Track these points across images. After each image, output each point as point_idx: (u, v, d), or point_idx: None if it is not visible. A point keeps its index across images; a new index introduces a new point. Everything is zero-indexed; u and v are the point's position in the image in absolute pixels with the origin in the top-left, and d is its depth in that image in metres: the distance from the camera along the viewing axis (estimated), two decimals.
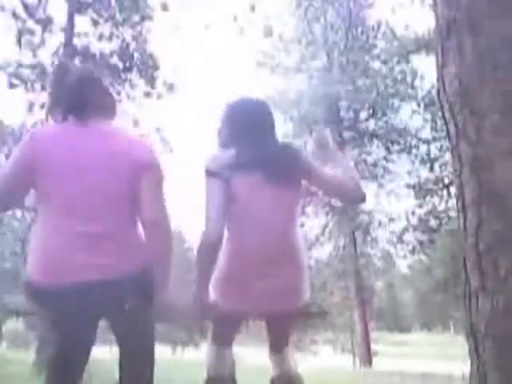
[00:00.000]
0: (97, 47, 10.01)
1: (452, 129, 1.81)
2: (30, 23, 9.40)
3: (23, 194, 1.82)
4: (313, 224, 17.13)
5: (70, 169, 1.72)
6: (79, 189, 1.72)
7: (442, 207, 14.42)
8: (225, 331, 2.14)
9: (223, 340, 2.13)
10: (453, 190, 12.61)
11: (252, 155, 1.95)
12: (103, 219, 1.73)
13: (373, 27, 16.45)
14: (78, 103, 1.82)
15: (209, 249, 1.90)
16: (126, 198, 1.76)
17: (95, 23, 9.92)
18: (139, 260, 1.75)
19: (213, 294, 1.98)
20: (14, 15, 9.25)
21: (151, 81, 10.36)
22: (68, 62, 1.77)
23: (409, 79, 15.51)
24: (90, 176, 1.72)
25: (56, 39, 9.58)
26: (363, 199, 2.03)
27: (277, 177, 1.95)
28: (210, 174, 1.95)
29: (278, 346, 2.20)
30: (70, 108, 1.82)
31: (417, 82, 15.44)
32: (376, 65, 16.36)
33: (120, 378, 1.82)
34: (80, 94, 1.83)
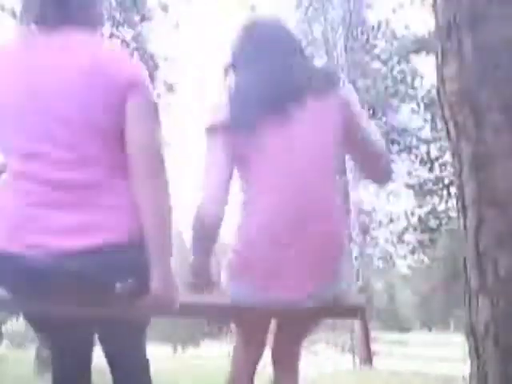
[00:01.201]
0: None
1: (452, 128, 1.81)
2: None
3: None
4: None
5: (23, 95, 1.23)
6: (36, 122, 1.23)
7: (442, 207, 14.42)
8: (249, 333, 1.69)
9: (249, 338, 1.68)
10: (453, 190, 12.61)
11: (267, 86, 1.48)
12: (74, 164, 1.24)
13: (373, 27, 16.43)
14: (47, 9, 1.29)
15: (205, 228, 1.48)
16: (106, 134, 1.27)
17: None
18: (127, 225, 1.26)
19: (226, 281, 1.52)
20: (14, 15, 9.24)
21: (151, 81, 10.37)
22: None
23: (409, 79, 15.49)
24: (51, 103, 1.23)
25: None
26: (389, 179, 1.70)
27: (302, 110, 1.44)
28: (211, 129, 1.53)
29: (287, 360, 1.70)
30: (36, 14, 1.29)
31: (417, 82, 15.43)
32: (376, 65, 16.35)
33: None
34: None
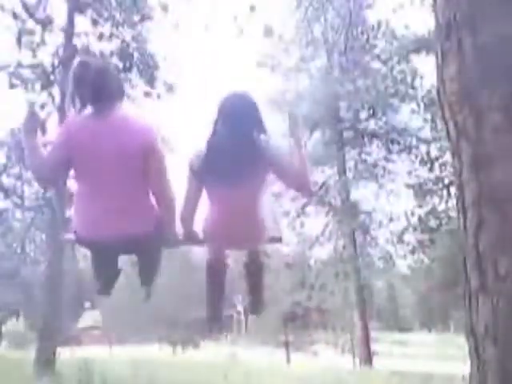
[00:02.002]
0: (97, 47, 10.01)
1: (452, 128, 1.81)
2: (30, 23, 9.40)
3: (63, 172, 2.30)
4: (313, 224, 17.15)
5: (95, 155, 2.17)
6: (104, 171, 2.18)
7: (442, 207, 14.42)
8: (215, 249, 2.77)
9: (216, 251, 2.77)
10: (453, 190, 12.62)
11: (219, 154, 2.33)
12: (122, 195, 2.23)
13: (373, 27, 16.43)
14: (95, 95, 2.19)
15: (183, 221, 2.49)
16: (139, 175, 2.23)
17: (95, 23, 9.92)
18: (151, 221, 2.33)
19: (203, 234, 2.58)
20: (14, 15, 9.25)
21: (151, 81, 10.37)
22: (86, 58, 2.32)
23: (409, 79, 15.48)
24: (112, 160, 2.17)
25: (56, 39, 9.58)
26: (309, 192, 2.57)
27: (237, 178, 2.33)
28: (190, 169, 2.45)
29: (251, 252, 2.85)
30: (89, 100, 2.20)
31: (417, 82, 15.42)
32: (376, 65, 16.35)
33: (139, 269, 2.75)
34: (96, 87, 2.18)
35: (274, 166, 2.34)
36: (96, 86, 2.19)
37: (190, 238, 2.60)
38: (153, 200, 2.35)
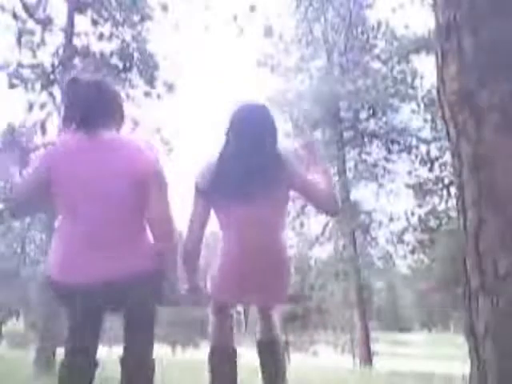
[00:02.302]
0: (97, 47, 10.01)
1: (452, 129, 1.81)
2: (30, 23, 9.39)
3: (42, 203, 2.02)
4: (313, 224, 17.15)
5: (81, 182, 1.88)
6: (90, 201, 1.88)
7: (442, 207, 14.43)
8: (223, 307, 2.34)
9: (223, 312, 2.33)
10: (453, 190, 12.62)
11: (234, 167, 2.11)
12: (113, 227, 1.91)
13: (373, 27, 16.44)
14: (87, 116, 1.94)
15: (186, 255, 2.18)
16: (135, 206, 1.95)
17: (95, 23, 9.92)
18: (149, 261, 1.96)
19: (210, 287, 2.24)
20: (14, 15, 9.24)
21: (151, 81, 10.36)
22: (77, 75, 2.05)
23: (409, 79, 15.49)
24: (100, 188, 1.89)
25: (56, 39, 9.58)
26: (337, 213, 2.28)
27: (258, 193, 2.09)
28: (196, 189, 2.20)
29: (266, 313, 2.39)
30: (80, 120, 1.95)
31: (417, 82, 15.43)
32: (376, 65, 16.35)
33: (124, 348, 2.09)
34: (88, 106, 1.95)
35: (301, 186, 2.15)
36: (86, 104, 1.93)
37: (194, 288, 2.21)
38: (150, 237, 2.00)
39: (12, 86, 9.29)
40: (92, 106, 1.95)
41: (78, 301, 1.91)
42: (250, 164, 2.09)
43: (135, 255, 1.94)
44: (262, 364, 2.34)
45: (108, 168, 1.89)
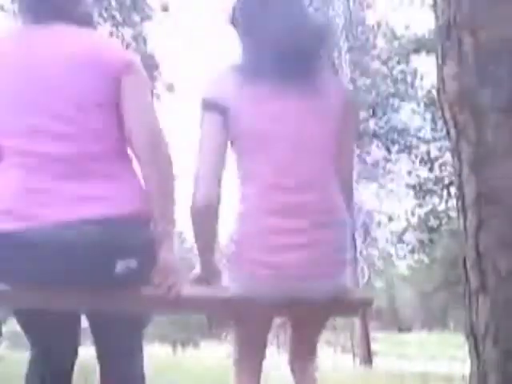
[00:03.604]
0: None
1: (452, 129, 1.80)
2: None
3: None
4: None
5: (22, 80, 1.33)
6: (36, 101, 1.31)
7: (442, 207, 14.41)
8: (250, 331, 1.59)
9: (251, 348, 1.61)
10: (453, 190, 12.61)
11: (266, 52, 1.40)
12: (76, 136, 1.31)
13: (373, 27, 16.42)
14: (35, 6, 1.40)
15: (201, 216, 1.43)
16: (101, 107, 1.35)
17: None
18: (134, 200, 1.34)
19: (223, 276, 1.52)
20: (14, 15, 9.24)
21: (151, 81, 10.37)
22: None
23: (409, 79, 15.48)
24: (50, 82, 1.31)
25: None
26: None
27: (302, 77, 1.37)
28: (205, 104, 1.45)
29: (303, 353, 1.70)
30: (29, 5, 1.41)
31: (417, 82, 15.42)
32: (376, 65, 16.34)
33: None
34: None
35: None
36: None
37: (209, 272, 1.49)
38: (134, 168, 1.42)
39: None
40: None
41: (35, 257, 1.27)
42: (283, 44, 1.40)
43: (106, 187, 1.33)
44: None
45: (59, 56, 1.33)
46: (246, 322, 1.58)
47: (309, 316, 1.58)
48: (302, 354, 1.71)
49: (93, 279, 1.27)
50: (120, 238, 1.26)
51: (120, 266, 1.24)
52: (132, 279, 1.29)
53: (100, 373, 1.50)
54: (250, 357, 1.62)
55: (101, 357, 1.49)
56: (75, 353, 1.53)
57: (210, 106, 1.44)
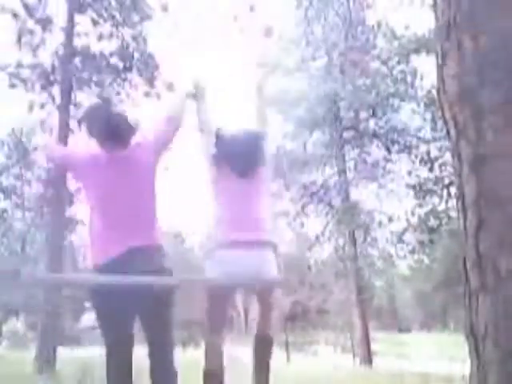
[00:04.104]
0: (97, 47, 10.01)
1: (452, 129, 1.81)
2: (30, 23, 9.39)
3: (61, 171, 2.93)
4: (313, 224, 17.14)
5: (105, 183, 2.39)
6: (114, 197, 2.36)
7: (442, 207, 14.41)
8: (216, 318, 2.67)
9: (215, 333, 2.66)
10: (453, 190, 12.61)
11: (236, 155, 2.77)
12: (139, 209, 2.41)
13: (373, 27, 16.41)
14: (107, 136, 2.43)
15: None
16: (148, 199, 2.48)
17: (95, 23, 9.92)
18: (157, 237, 2.42)
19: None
20: (14, 15, 9.24)
21: (151, 81, 10.36)
22: (100, 102, 2.82)
23: (409, 79, 15.48)
24: (118, 191, 2.39)
25: (56, 39, 9.58)
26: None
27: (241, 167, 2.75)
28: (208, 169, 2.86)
29: (265, 310, 2.70)
30: (102, 139, 2.44)
31: (417, 82, 15.41)
32: (376, 65, 16.33)
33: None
34: (108, 130, 2.42)
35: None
36: (106, 129, 2.43)
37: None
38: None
39: (12, 85, 9.29)
40: (111, 131, 2.45)
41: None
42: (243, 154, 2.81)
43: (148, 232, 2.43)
44: (254, 357, 2.71)
45: (122, 173, 2.41)
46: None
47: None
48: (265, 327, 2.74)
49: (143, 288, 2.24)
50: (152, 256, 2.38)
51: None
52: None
53: (150, 368, 2.33)
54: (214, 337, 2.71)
55: (152, 353, 2.35)
56: (132, 343, 2.38)
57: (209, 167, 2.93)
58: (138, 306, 2.26)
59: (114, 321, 2.29)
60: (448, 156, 11.99)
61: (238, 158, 2.73)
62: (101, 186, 2.37)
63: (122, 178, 2.37)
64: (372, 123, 16.94)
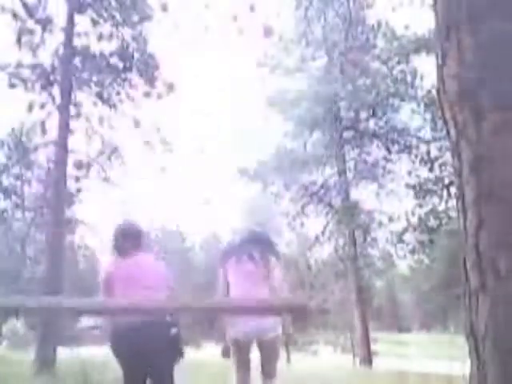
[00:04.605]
0: (97, 47, 10.01)
1: (452, 129, 1.81)
2: (30, 23, 9.40)
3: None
4: (313, 224, 17.15)
5: (126, 282, 3.14)
6: (129, 294, 3.08)
7: (442, 207, 14.41)
8: (241, 356, 3.48)
9: (243, 365, 3.50)
10: (453, 190, 12.61)
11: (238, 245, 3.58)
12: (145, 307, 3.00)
13: (373, 27, 16.42)
14: (121, 247, 3.34)
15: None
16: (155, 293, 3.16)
17: (95, 23, 9.92)
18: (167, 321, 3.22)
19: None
20: (14, 15, 9.24)
21: (151, 81, 10.36)
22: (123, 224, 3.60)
23: (409, 79, 15.48)
24: (136, 285, 3.11)
25: (56, 39, 9.58)
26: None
27: (252, 261, 3.45)
28: (220, 266, 3.59)
29: (268, 373, 3.48)
30: (119, 250, 3.36)
31: (417, 82, 15.42)
32: (376, 65, 16.33)
33: None
34: (121, 241, 3.35)
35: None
36: (120, 241, 3.34)
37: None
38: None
39: (12, 85, 9.29)
40: (123, 243, 3.35)
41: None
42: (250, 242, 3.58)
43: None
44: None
45: (136, 275, 3.18)
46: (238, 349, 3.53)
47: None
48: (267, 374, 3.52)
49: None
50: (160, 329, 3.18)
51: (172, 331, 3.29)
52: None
53: None
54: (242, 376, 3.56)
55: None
56: None
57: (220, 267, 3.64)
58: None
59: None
60: (448, 156, 11.99)
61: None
62: None
63: None
64: (372, 123, 16.94)
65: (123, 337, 3.01)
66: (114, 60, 10.09)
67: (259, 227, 3.70)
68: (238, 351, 3.48)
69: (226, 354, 3.57)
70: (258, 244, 3.48)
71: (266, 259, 3.43)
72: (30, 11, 9.26)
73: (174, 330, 3.13)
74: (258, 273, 3.39)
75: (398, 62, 15.44)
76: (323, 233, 17.08)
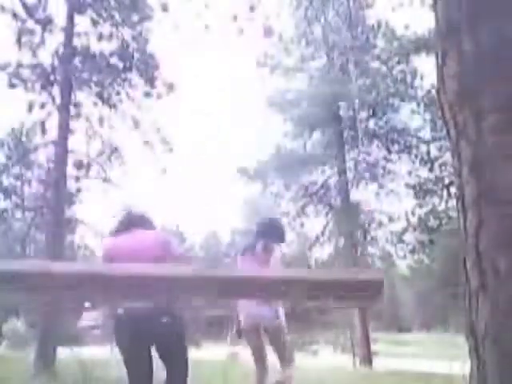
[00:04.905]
0: (97, 47, 10.00)
1: (452, 129, 1.81)
2: (30, 23, 9.39)
3: None
4: (313, 224, 17.15)
5: (126, 256, 3.12)
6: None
7: (442, 207, 14.42)
8: (251, 342, 3.82)
9: (257, 351, 3.80)
10: (453, 190, 12.61)
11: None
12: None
13: (373, 27, 16.42)
14: (126, 226, 3.33)
15: None
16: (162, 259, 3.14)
17: (95, 23, 9.91)
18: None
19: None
20: (14, 15, 9.24)
21: (151, 81, 10.36)
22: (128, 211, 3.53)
23: (409, 79, 15.48)
24: (139, 259, 3.07)
25: (56, 39, 9.57)
26: None
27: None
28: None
29: (282, 359, 3.74)
30: (122, 228, 3.34)
31: (417, 82, 15.42)
32: (376, 65, 16.34)
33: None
34: (126, 222, 3.35)
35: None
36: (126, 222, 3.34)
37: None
38: None
39: (12, 85, 9.29)
40: (129, 223, 3.35)
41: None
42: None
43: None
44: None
45: (138, 248, 3.15)
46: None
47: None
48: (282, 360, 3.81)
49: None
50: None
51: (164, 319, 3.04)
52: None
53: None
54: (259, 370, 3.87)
55: (169, 371, 2.96)
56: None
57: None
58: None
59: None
60: (448, 156, 11.99)
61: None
62: None
63: None
64: (372, 123, 16.94)
65: (124, 321, 2.98)
66: (114, 60, 10.08)
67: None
68: (247, 336, 3.79)
69: (238, 335, 3.88)
70: (263, 236, 3.71)
71: (269, 249, 3.69)
72: (29, 11, 9.25)
73: (165, 319, 2.98)
74: (259, 261, 3.65)
75: (398, 62, 15.44)
76: (323, 233, 17.08)
